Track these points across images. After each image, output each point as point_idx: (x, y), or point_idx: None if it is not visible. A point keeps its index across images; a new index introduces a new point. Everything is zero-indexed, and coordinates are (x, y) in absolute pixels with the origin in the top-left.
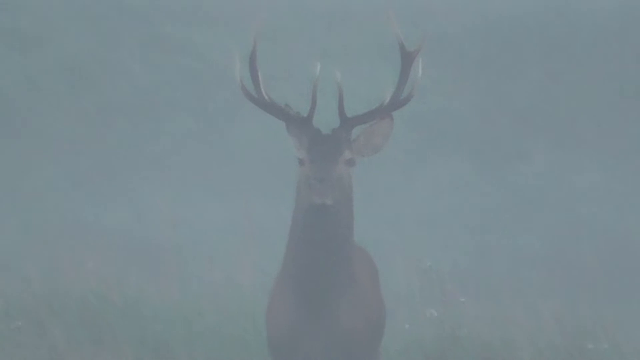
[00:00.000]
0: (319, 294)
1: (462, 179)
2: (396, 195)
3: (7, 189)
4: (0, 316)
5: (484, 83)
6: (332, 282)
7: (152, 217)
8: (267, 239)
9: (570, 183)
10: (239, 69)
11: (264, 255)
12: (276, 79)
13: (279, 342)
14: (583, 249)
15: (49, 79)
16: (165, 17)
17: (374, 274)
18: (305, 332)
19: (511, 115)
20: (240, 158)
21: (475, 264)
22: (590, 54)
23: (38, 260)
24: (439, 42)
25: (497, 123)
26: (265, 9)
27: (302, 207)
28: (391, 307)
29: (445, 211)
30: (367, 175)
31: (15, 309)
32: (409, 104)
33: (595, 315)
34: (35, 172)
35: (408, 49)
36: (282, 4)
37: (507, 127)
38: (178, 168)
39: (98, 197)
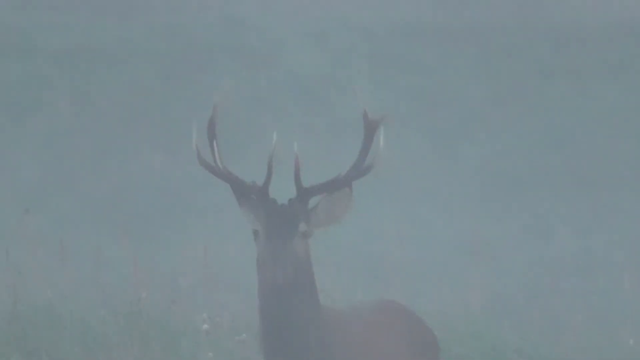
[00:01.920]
0: None
1: None
2: None
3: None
4: (227, 329)
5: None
6: (297, 352)
7: (380, 233)
8: (496, 258)
9: None
10: (195, 136)
11: (493, 274)
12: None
13: None
14: None
15: (278, 96)
16: (390, 35)
17: (411, 341)
18: None
19: None
20: (469, 176)
21: None
22: None
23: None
24: None
25: None
26: (228, 81)
27: (259, 281)
28: (615, 322)
29: None
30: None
31: (240, 324)
32: None
33: None
34: None
35: (371, 118)
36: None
37: None
38: (407, 184)
39: None
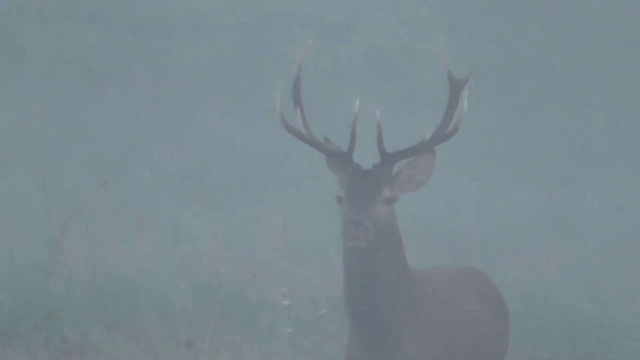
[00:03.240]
0: (375, 331)
1: None
2: None
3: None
4: (306, 304)
5: None
6: (388, 319)
7: (458, 205)
8: (574, 230)
9: None
10: (279, 100)
11: (570, 245)
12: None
13: None
14: None
15: (355, 68)
16: (469, 6)
17: (489, 306)
18: None
19: None
20: (545, 147)
21: None
22: None
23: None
24: None
25: None
26: (313, 37)
27: (343, 248)
28: None
29: None
30: None
31: (320, 298)
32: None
33: None
34: None
35: (456, 78)
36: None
37: None
38: (485, 156)
39: None
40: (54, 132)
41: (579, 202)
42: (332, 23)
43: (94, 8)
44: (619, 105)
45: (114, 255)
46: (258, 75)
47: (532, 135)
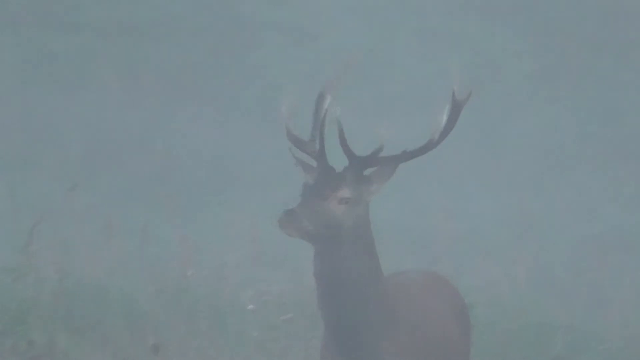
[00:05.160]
0: (349, 335)
1: None
2: None
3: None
4: (274, 307)
5: None
6: (361, 322)
7: (427, 209)
8: (542, 234)
9: None
10: (287, 112)
11: (539, 248)
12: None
13: None
14: None
15: (323, 71)
16: (437, 8)
17: (453, 308)
18: None
19: None
20: (514, 151)
21: None
22: None
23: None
24: None
25: None
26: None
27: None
28: None
29: None
30: None
31: (288, 302)
32: None
33: None
34: None
35: (458, 98)
36: None
37: None
38: (453, 159)
39: None
40: (23, 136)
41: (549, 206)
42: (301, 27)
43: (63, 13)
44: (588, 108)
45: (82, 259)
46: (228, 80)
47: (501, 138)
